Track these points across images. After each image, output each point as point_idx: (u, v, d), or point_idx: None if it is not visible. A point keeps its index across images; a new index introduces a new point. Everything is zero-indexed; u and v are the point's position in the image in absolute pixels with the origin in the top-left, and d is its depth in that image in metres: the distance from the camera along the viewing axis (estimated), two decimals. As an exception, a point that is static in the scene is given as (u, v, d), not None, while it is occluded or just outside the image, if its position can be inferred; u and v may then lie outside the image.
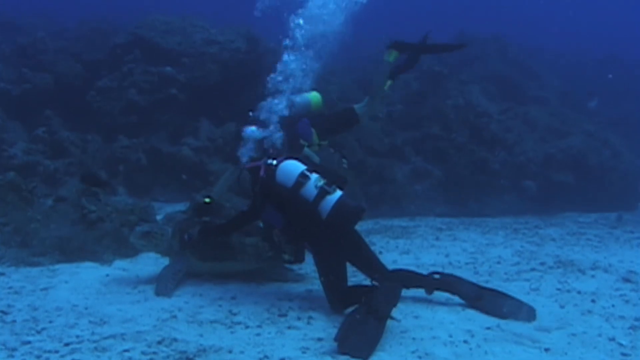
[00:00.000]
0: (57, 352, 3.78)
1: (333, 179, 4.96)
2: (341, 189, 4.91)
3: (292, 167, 4.98)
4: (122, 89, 10.87)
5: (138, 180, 9.76)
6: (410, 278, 5.14)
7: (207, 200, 5.78)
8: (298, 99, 5.93)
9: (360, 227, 8.29)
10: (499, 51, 16.10)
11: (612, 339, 4.29)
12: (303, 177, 4.86)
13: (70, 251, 6.20)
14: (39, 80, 11.22)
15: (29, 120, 10.47)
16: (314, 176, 4.88)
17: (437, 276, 5.13)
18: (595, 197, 11.06)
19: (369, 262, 5.13)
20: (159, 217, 7.47)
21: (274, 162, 5.05)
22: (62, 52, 12.29)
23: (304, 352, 3.93)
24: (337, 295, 4.75)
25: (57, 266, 5.95)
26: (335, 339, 3.94)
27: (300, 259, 5.19)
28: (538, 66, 16.42)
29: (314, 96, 6.00)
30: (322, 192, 4.77)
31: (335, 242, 4.85)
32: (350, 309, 4.45)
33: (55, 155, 9.67)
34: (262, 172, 5.05)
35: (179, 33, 11.94)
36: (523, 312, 4.76)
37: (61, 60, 11.90)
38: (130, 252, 6.43)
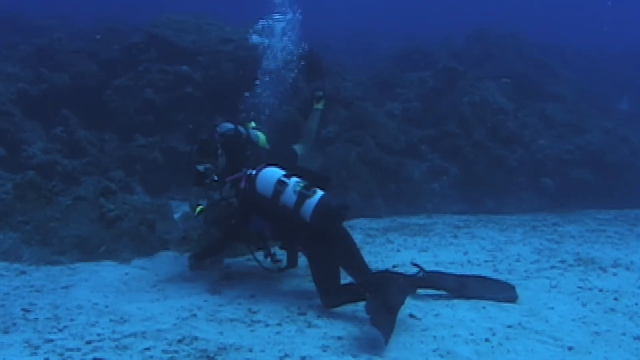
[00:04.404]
0: (79, 350, 3.81)
1: (314, 181, 4.93)
2: (323, 189, 4.88)
3: (270, 175, 4.97)
4: (138, 88, 10.90)
5: (155, 179, 9.79)
6: (391, 279, 5.17)
7: (201, 208, 5.69)
8: (250, 132, 5.99)
9: (378, 224, 8.41)
10: (515, 48, 15.96)
11: (637, 338, 4.24)
12: (281, 184, 4.86)
13: (89, 250, 6.23)
14: (56, 80, 11.28)
15: (47, 120, 10.52)
16: (292, 181, 4.87)
17: (420, 274, 5.18)
18: (614, 194, 10.94)
19: (356, 264, 5.14)
20: (176, 216, 7.49)
21: (254, 171, 5.04)
22: (79, 52, 12.34)
23: (324, 351, 3.93)
24: (330, 293, 4.72)
25: (77, 264, 5.99)
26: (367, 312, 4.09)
27: (293, 264, 5.19)
28: (554, 63, 16.26)
29: (261, 136, 6.02)
30: (302, 197, 4.75)
31: (325, 242, 4.83)
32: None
33: (73, 155, 9.73)
34: (243, 184, 5.02)
35: (194, 32, 11.95)
36: (505, 293, 5.07)
37: (78, 60, 11.95)
38: (148, 250, 6.47)
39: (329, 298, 4.71)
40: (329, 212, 4.76)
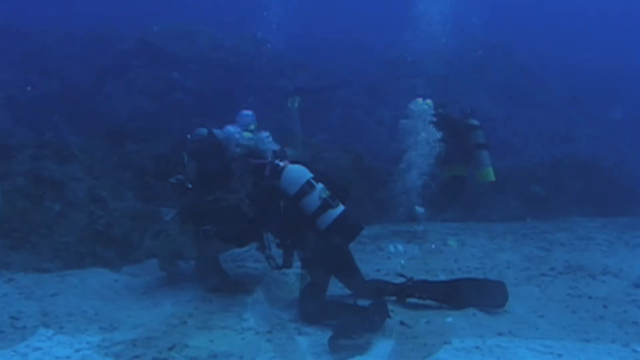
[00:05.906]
0: (68, 358, 3.80)
1: (337, 192, 4.91)
2: (343, 202, 4.87)
3: (299, 172, 4.92)
4: (129, 94, 10.90)
5: (145, 186, 9.75)
6: (384, 288, 5.21)
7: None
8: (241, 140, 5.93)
9: (368, 232, 8.38)
10: (505, 57, 16.09)
11: (626, 345, 4.26)
12: (309, 185, 4.80)
13: (79, 256, 6.18)
14: (46, 85, 11.27)
15: (36, 125, 10.48)
16: (319, 186, 4.83)
17: (410, 282, 5.14)
18: (603, 202, 11.00)
19: (352, 276, 5.15)
20: (166, 223, 7.46)
21: (281, 163, 5.00)
22: (70, 58, 12.34)
23: (315, 358, 3.92)
24: (313, 307, 4.66)
25: (66, 271, 5.93)
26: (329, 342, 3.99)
27: (288, 265, 5.13)
28: (544, 71, 16.40)
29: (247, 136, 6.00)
30: (325, 205, 4.72)
31: (328, 253, 4.82)
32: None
33: (63, 161, 9.68)
34: (267, 172, 4.98)
35: (185, 38, 11.99)
36: (496, 293, 4.99)
37: (69, 66, 11.95)
38: (138, 257, 6.42)
39: (307, 310, 4.67)
40: (346, 229, 4.78)
